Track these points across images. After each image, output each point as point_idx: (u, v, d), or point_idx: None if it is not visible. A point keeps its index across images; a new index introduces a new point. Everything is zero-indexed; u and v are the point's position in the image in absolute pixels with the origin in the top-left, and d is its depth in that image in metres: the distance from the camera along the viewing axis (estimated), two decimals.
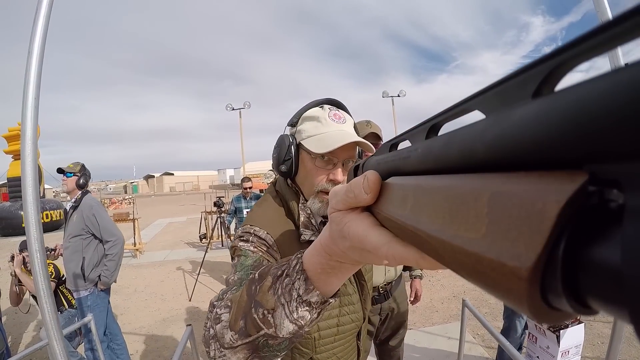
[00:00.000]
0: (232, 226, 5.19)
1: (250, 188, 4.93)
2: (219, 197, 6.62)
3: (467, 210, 0.16)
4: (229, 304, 0.51)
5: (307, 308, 0.41)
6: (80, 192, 2.56)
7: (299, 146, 0.84)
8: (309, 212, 0.84)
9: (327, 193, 0.80)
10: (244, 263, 0.70)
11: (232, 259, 0.78)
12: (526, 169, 0.13)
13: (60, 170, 2.58)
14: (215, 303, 0.55)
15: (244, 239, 0.77)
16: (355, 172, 0.41)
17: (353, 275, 0.91)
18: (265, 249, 0.76)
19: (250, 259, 0.71)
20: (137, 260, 6.99)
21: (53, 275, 2.95)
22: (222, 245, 7.20)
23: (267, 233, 0.79)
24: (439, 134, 0.23)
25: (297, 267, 0.41)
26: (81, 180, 2.56)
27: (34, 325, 3.88)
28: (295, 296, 0.41)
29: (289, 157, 0.83)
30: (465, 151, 0.17)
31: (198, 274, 4.92)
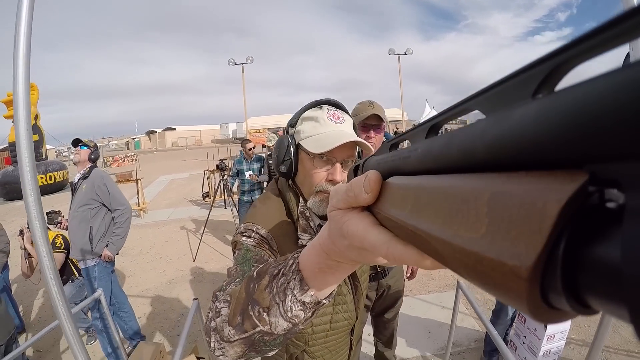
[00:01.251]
0: (235, 187, 5.19)
1: (252, 149, 4.84)
2: (222, 160, 6.52)
3: (468, 210, 0.16)
4: (229, 299, 0.52)
5: (301, 307, 0.42)
6: (90, 165, 2.62)
7: (298, 146, 0.85)
8: (307, 214, 0.84)
9: (326, 193, 0.81)
10: (245, 256, 0.72)
11: (234, 252, 0.79)
12: (526, 168, 0.13)
13: (76, 140, 2.65)
14: (217, 294, 0.56)
15: (247, 235, 0.78)
16: (355, 172, 0.42)
17: (348, 276, 0.92)
18: (267, 247, 0.78)
19: (252, 252, 0.73)
20: (141, 220, 7.14)
21: (63, 247, 2.99)
22: (225, 208, 7.27)
23: (269, 232, 0.80)
24: (438, 134, 0.24)
25: (293, 267, 0.42)
26: (93, 155, 2.64)
27: (45, 291, 3.97)
28: (290, 296, 0.42)
29: (288, 158, 0.84)
30: (466, 151, 0.17)
31: (202, 234, 5.02)
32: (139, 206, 7.46)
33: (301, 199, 0.86)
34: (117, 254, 2.64)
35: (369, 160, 0.36)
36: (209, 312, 0.55)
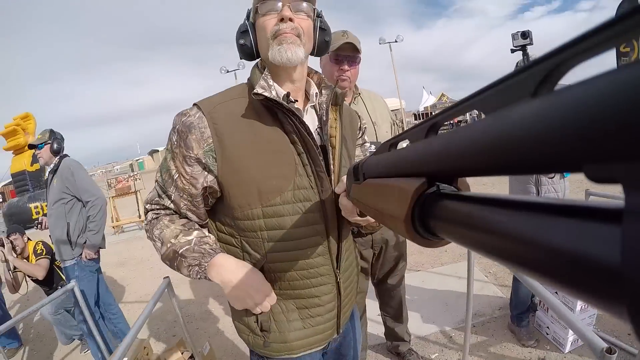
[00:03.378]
0: None
1: None
2: None
3: (391, 195, 0.30)
4: (160, 244, 0.82)
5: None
6: (58, 157, 2.43)
7: (254, 22, 0.83)
8: (270, 83, 0.79)
9: (282, 34, 0.77)
10: (169, 170, 0.80)
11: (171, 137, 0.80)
12: (525, 167, 0.14)
13: (32, 146, 2.46)
14: (148, 216, 0.89)
15: (179, 129, 0.77)
16: (355, 171, 0.47)
17: (310, 165, 0.80)
18: (193, 156, 0.76)
19: (175, 172, 0.79)
20: (144, 232, 6.97)
21: (45, 252, 2.84)
22: None
23: (210, 114, 0.77)
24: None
25: (204, 268, 0.78)
26: (55, 146, 2.43)
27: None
28: (202, 277, 0.79)
29: (245, 29, 0.83)
30: (465, 151, 0.17)
31: None
32: (140, 218, 7.33)
33: (266, 69, 0.81)
34: (101, 248, 2.45)
35: (369, 159, 0.41)
36: (146, 224, 0.89)
